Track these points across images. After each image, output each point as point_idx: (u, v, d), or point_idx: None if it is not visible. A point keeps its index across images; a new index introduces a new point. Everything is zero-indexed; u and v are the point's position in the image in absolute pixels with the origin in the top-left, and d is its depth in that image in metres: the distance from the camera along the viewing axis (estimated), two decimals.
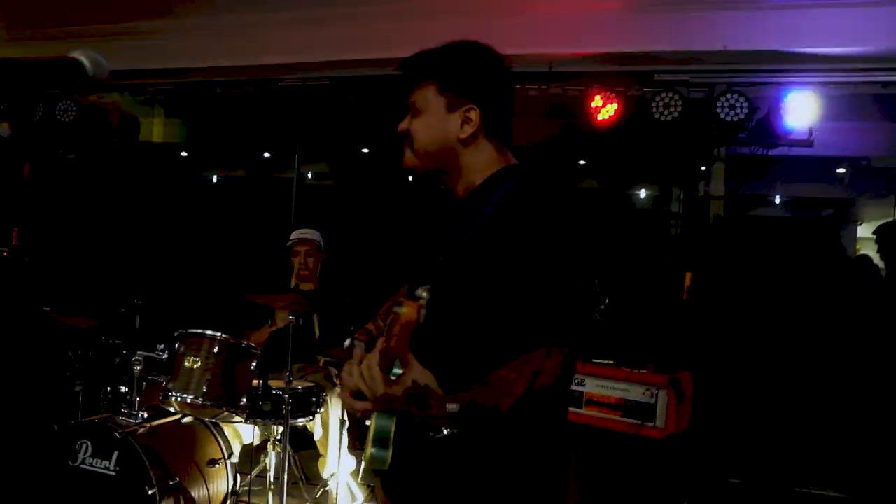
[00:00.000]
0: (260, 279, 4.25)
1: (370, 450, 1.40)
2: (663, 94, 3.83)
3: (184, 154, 6.55)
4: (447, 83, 1.48)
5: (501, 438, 1.36)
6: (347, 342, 1.67)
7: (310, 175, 7.07)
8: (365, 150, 6.54)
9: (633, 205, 5.99)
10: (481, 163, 1.51)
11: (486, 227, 1.42)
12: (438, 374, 1.26)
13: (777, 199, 6.43)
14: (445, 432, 1.22)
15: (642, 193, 6.67)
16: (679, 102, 3.82)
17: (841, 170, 5.95)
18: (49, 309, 2.91)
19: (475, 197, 1.50)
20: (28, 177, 4.61)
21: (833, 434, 4.26)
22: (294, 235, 3.95)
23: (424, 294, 1.18)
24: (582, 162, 6.26)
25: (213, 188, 6.98)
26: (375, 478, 1.44)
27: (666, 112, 3.84)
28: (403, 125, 1.54)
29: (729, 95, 3.80)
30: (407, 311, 1.15)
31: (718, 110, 3.85)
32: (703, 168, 4.55)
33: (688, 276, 4.00)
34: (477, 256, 1.40)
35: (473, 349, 1.38)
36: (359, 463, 3.55)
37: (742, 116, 3.85)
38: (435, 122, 1.49)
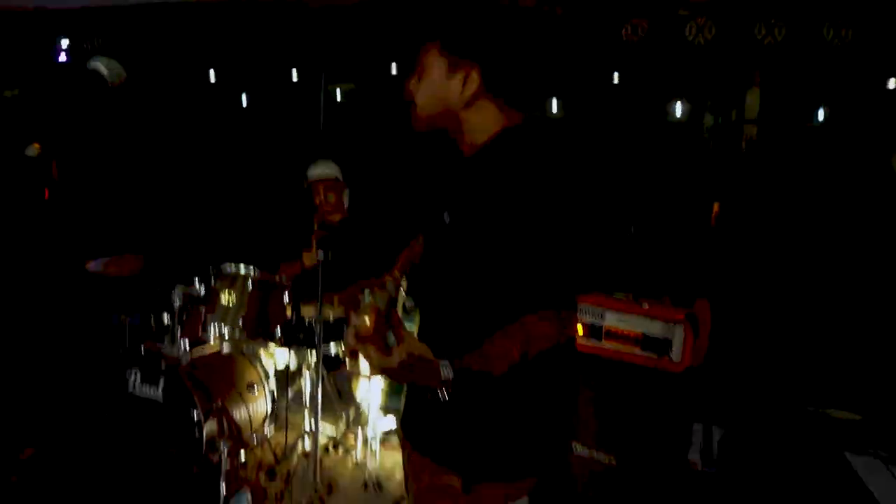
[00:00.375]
0: (291, 208, 4.32)
1: (384, 400, 1.52)
2: (698, 18, 3.68)
3: (213, 79, 6.53)
4: (447, 43, 1.47)
5: (497, 398, 1.43)
6: (366, 293, 1.75)
7: (338, 94, 6.99)
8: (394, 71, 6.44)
9: (665, 123, 5.84)
10: (484, 123, 1.51)
11: (485, 192, 1.43)
12: (434, 342, 1.31)
13: (821, 115, 6.16)
14: (441, 397, 1.30)
15: (678, 109, 6.49)
16: (712, 26, 3.68)
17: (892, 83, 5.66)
18: (92, 262, 3.05)
19: (478, 158, 1.51)
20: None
21: (855, 360, 4.32)
22: (310, 174, 3.99)
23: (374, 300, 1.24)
24: (616, 79, 6.08)
25: (242, 112, 6.98)
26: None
27: (700, 36, 3.70)
28: (410, 88, 1.55)
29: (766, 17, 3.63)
30: (367, 324, 1.23)
31: (755, 32, 3.69)
32: (741, 88, 4.39)
33: (716, 204, 3.96)
34: (475, 222, 1.42)
35: (469, 315, 1.44)
36: None
37: (780, 38, 3.69)
38: (436, 85, 1.50)
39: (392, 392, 1.49)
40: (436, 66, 1.49)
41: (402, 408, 1.49)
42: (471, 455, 1.49)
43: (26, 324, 3.40)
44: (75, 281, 3.49)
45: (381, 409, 3.40)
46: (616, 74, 5.84)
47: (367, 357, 1.25)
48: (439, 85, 1.49)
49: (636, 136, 5.55)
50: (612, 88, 5.93)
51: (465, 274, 1.44)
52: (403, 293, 1.54)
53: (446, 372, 1.27)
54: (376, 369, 1.26)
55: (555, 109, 6.69)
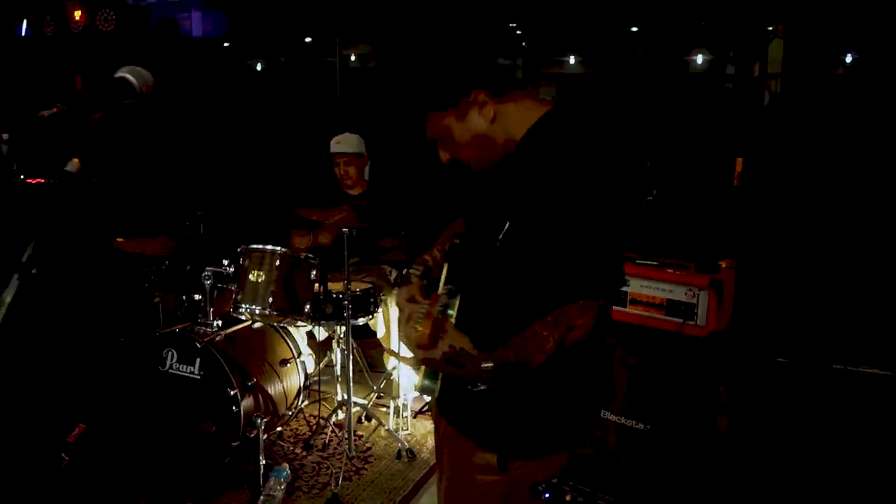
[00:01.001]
0: (310, 180, 4.33)
1: (421, 381, 1.55)
2: None
3: (226, 44, 6.50)
4: (495, 90, 1.46)
5: (533, 381, 1.45)
6: (404, 272, 1.78)
7: (353, 58, 6.94)
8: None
9: (686, 76, 5.72)
10: (518, 121, 1.50)
11: (521, 183, 1.44)
12: (473, 333, 1.35)
13: (848, 59, 5.95)
14: (481, 387, 1.35)
15: (699, 59, 6.35)
16: None
17: None
18: (122, 239, 3.10)
19: (516, 153, 1.51)
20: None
21: (883, 316, 4.29)
22: (332, 147, 3.97)
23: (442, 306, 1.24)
24: (634, 29, 5.96)
25: (257, 77, 6.96)
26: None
27: None
28: (445, 158, 1.55)
29: None
30: (420, 331, 1.23)
31: None
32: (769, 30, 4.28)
33: (739, 161, 3.91)
34: (512, 213, 1.43)
35: (507, 307, 1.45)
36: None
37: None
38: (463, 135, 1.49)
39: (428, 373, 1.52)
40: (450, 126, 1.48)
41: (437, 389, 1.52)
42: (506, 434, 1.53)
43: (62, 307, 3.50)
44: (109, 262, 3.56)
45: (416, 389, 3.47)
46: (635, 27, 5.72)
47: (409, 346, 1.29)
48: (464, 132, 1.48)
49: (655, 90, 5.45)
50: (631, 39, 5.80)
51: (507, 262, 1.45)
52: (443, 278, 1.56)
53: (486, 364, 1.31)
54: (419, 362, 1.30)
55: (572, 62, 6.58)
